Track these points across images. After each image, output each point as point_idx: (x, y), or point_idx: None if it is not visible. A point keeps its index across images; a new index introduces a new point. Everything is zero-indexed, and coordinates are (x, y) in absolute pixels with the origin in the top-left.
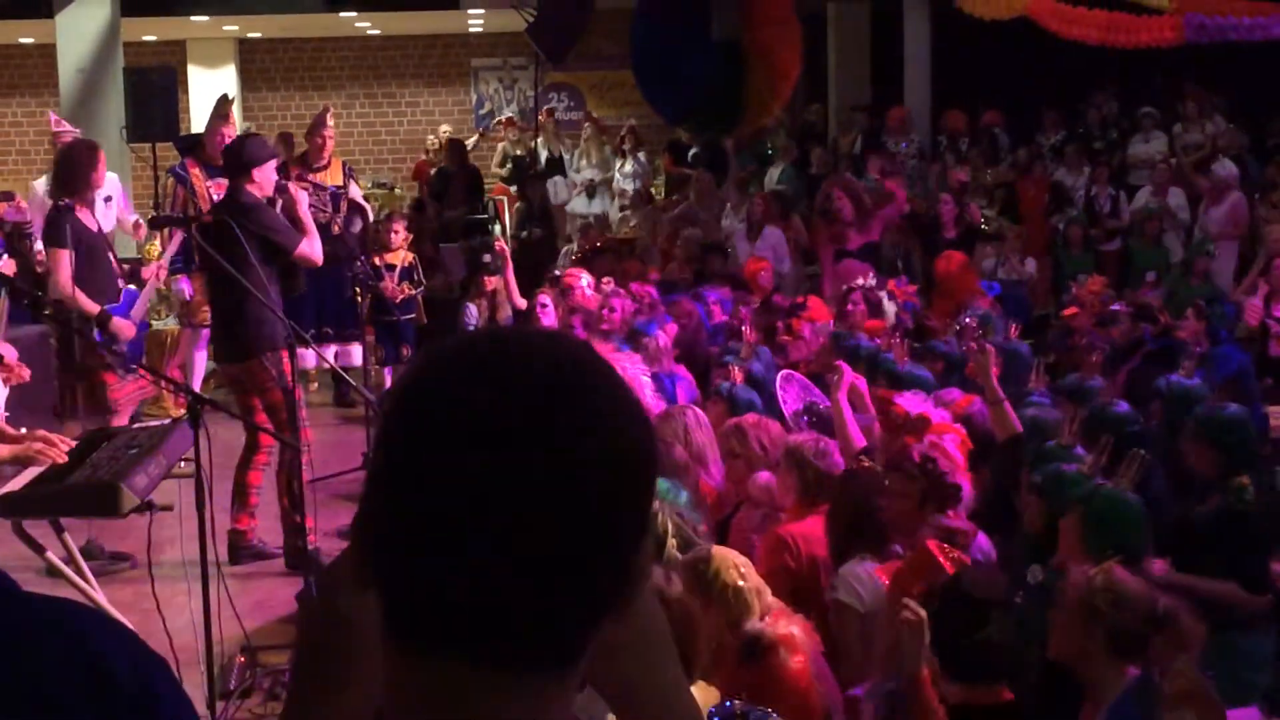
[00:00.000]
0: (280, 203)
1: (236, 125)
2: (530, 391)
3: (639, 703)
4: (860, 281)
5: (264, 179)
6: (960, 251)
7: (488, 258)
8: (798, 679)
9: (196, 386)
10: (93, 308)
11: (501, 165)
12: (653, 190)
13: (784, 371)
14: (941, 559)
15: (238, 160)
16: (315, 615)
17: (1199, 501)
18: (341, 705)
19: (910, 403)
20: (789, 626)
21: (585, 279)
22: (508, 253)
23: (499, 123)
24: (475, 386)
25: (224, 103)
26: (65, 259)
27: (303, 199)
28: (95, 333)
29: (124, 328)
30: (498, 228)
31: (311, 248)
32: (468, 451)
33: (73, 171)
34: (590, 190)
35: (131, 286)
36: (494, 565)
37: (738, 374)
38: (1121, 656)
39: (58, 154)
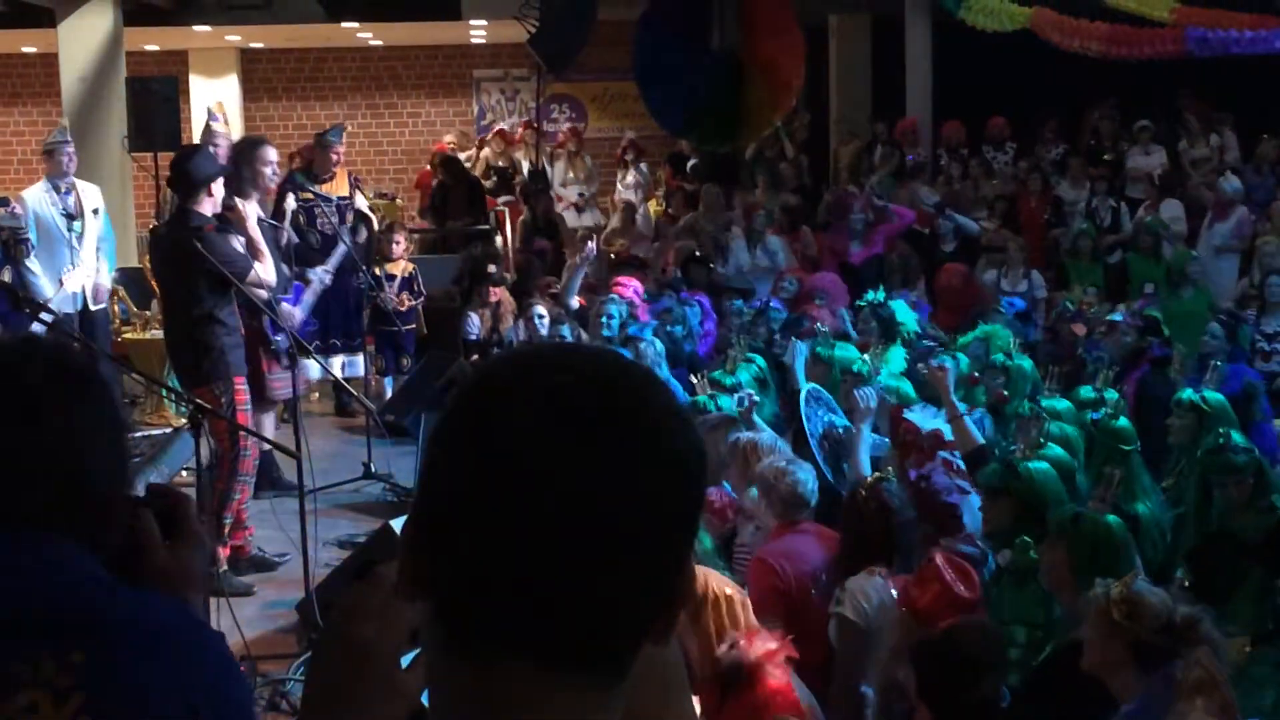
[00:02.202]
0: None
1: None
2: (599, 388)
3: None
4: (871, 297)
5: (217, 194)
6: (960, 264)
7: (492, 268)
8: (787, 691)
9: None
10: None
11: (485, 176)
12: (654, 202)
13: (810, 387)
14: (947, 574)
15: (189, 178)
16: (332, 641)
17: (1222, 516)
18: None
19: (922, 420)
20: (765, 644)
21: (634, 286)
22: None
23: (495, 133)
24: (545, 381)
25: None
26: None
27: (251, 216)
28: (267, 322)
29: (291, 316)
30: (499, 240)
31: (264, 272)
32: (536, 442)
33: (236, 159)
34: (580, 206)
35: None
36: (558, 560)
37: (706, 387)
38: (1146, 668)
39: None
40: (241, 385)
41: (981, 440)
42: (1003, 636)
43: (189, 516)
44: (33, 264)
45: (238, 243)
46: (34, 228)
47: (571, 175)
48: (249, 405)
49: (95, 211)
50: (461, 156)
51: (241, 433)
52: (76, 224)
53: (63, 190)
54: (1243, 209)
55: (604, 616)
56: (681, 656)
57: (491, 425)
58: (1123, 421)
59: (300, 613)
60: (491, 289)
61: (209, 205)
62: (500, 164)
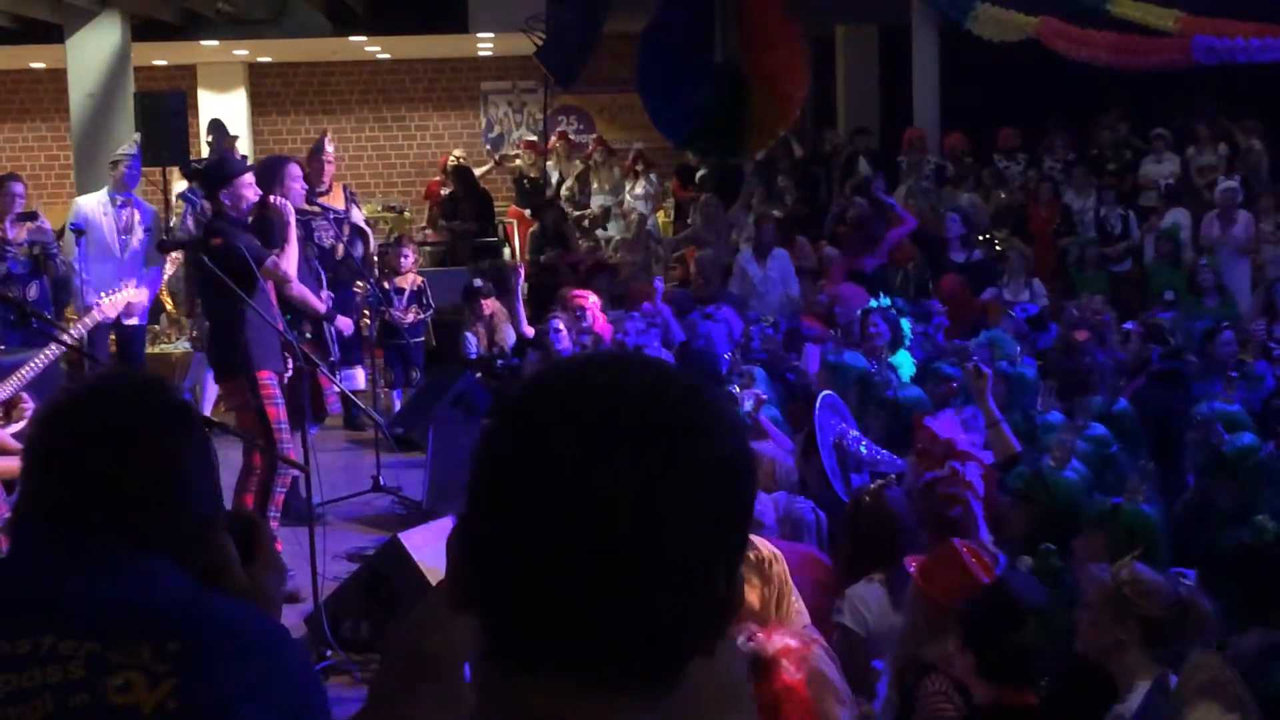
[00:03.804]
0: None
1: (245, 150)
2: (646, 399)
3: None
4: (876, 303)
5: (238, 194)
6: (966, 274)
7: (478, 282)
8: (800, 689)
9: (208, 410)
10: (320, 306)
11: (517, 187)
12: (661, 213)
13: (825, 394)
14: (967, 557)
15: (209, 178)
16: (399, 650)
17: (1216, 526)
18: None
19: (942, 427)
20: (785, 640)
21: (592, 299)
22: (522, 273)
23: (517, 144)
24: (590, 394)
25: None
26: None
27: (288, 210)
28: (330, 331)
29: (346, 326)
30: (507, 251)
31: (282, 263)
32: (586, 452)
33: (264, 180)
34: (605, 215)
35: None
36: (602, 575)
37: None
38: (1154, 646)
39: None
40: (266, 379)
41: (1019, 448)
42: (1045, 591)
43: (265, 540)
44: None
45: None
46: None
47: (595, 186)
48: (278, 399)
49: (147, 230)
50: (477, 172)
51: (276, 426)
52: (124, 238)
53: (118, 204)
54: (1243, 212)
55: (651, 630)
56: (745, 673)
57: (537, 440)
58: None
59: (309, 626)
60: (482, 302)
61: (231, 205)
62: (533, 174)
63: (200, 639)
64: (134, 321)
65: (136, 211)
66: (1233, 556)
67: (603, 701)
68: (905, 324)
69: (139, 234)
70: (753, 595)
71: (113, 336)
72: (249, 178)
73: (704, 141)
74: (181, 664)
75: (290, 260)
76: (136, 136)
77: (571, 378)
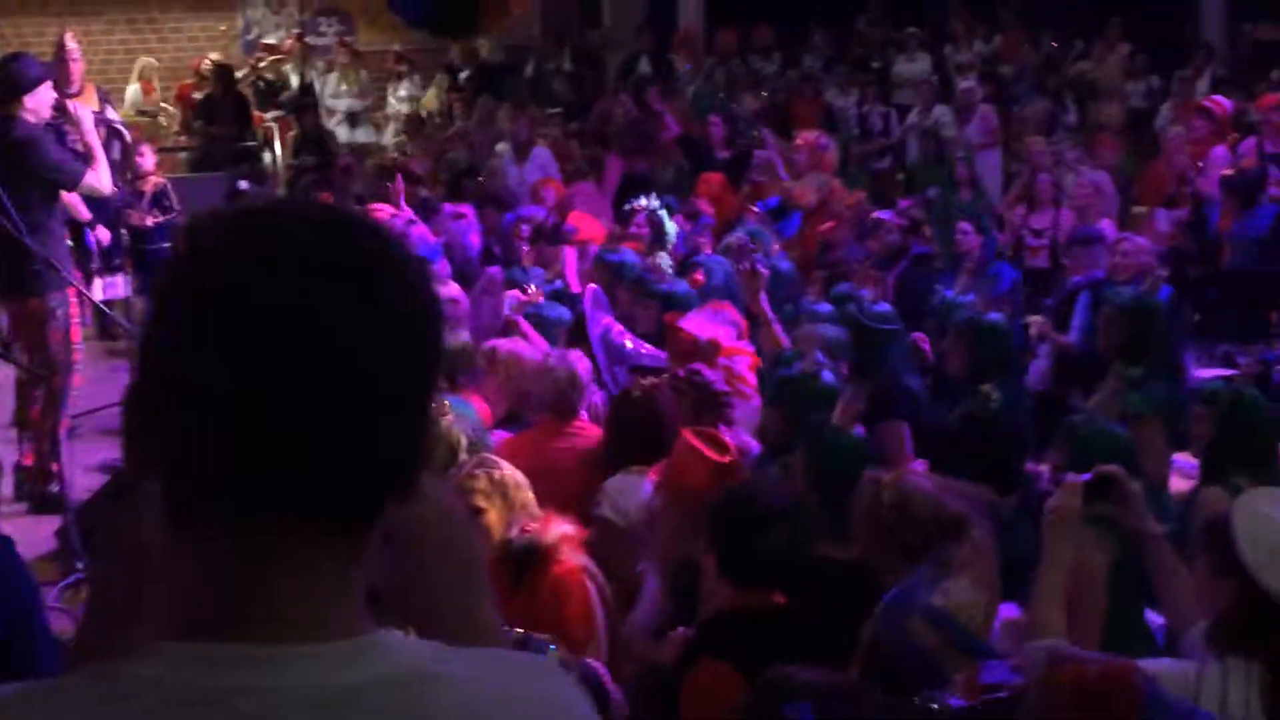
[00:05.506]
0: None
1: None
2: (333, 238)
3: (440, 625)
4: (644, 202)
5: (38, 103)
6: (727, 172)
7: (243, 184)
8: (580, 571)
9: None
10: (84, 211)
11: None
12: (424, 115)
13: (591, 287)
14: (700, 446)
15: (13, 81)
16: (111, 548)
17: (952, 407)
18: (138, 628)
19: (697, 326)
20: (560, 528)
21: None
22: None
23: (261, 46)
24: (288, 227)
25: None
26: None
27: (86, 119)
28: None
29: (104, 236)
30: (268, 155)
31: (98, 178)
32: (267, 298)
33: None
34: (353, 120)
35: None
36: (340, 416)
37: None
38: (914, 562)
39: None
40: (74, 296)
41: (787, 344)
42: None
43: None
44: None
45: (66, 147)
46: None
47: (344, 88)
48: (82, 319)
49: None
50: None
51: (78, 346)
52: None
53: None
54: (983, 106)
55: (365, 473)
56: (475, 551)
57: (268, 285)
58: (881, 305)
59: (60, 538)
60: None
61: (30, 114)
62: (269, 77)
63: None
64: None
65: None
66: (963, 429)
67: (308, 550)
68: (670, 224)
69: None
70: (494, 516)
71: None
72: (49, 84)
73: (438, 20)
74: None
75: (103, 173)
76: None
77: (255, 225)
